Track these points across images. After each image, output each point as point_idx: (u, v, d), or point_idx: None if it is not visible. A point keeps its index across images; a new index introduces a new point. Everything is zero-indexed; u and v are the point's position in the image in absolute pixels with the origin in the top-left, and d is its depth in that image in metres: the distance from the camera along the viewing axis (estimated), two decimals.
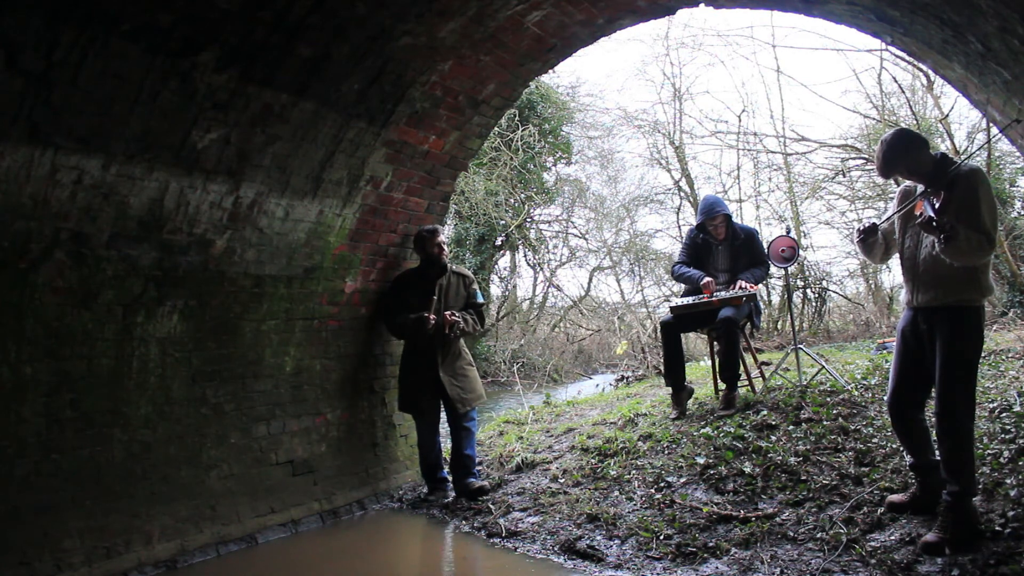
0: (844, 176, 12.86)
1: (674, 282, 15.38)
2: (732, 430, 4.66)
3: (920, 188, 3.23)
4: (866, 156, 11.97)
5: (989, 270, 3.15)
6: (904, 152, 3.16)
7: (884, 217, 3.50)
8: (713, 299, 5.21)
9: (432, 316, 4.60)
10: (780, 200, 14.26)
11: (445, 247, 4.82)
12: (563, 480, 4.60)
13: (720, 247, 5.51)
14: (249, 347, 4.21)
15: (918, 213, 3.14)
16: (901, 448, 3.74)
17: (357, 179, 4.41)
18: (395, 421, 5.18)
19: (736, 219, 5.82)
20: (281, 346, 4.40)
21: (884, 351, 7.30)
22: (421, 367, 4.71)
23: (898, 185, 3.82)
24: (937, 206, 3.08)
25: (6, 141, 2.84)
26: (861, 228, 3.47)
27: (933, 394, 3.19)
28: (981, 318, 3.16)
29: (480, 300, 4.98)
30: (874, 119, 12.74)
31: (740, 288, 5.15)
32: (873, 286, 14.26)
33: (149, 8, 2.89)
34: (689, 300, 5.35)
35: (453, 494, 4.78)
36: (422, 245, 4.79)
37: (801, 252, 11.46)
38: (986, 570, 2.79)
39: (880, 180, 12.56)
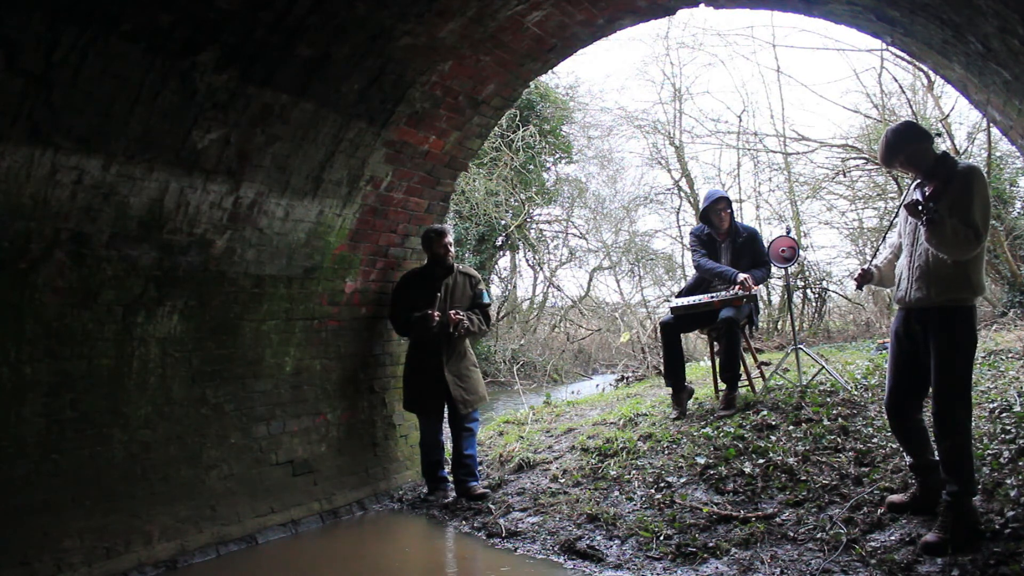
0: (844, 176, 12.85)
1: (673, 282, 15.42)
2: (732, 430, 4.66)
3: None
4: (867, 156, 11.94)
5: (981, 269, 3.17)
6: (907, 141, 3.20)
7: (875, 261, 3.56)
8: (713, 300, 5.21)
9: (436, 313, 4.61)
10: (780, 200, 14.25)
11: (452, 248, 4.84)
12: (563, 480, 4.60)
13: (723, 245, 5.51)
14: (249, 347, 4.21)
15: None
16: (901, 448, 3.74)
17: (357, 179, 4.41)
18: (395, 421, 5.18)
19: (736, 219, 5.81)
20: (281, 346, 4.40)
21: (884, 351, 7.30)
22: (426, 366, 4.72)
23: (894, 177, 3.87)
24: (927, 193, 3.13)
25: (6, 141, 2.85)
26: (857, 277, 3.54)
27: (930, 394, 3.19)
28: (974, 317, 3.17)
29: (487, 300, 4.99)
30: (875, 119, 12.71)
31: (741, 287, 5.14)
32: (873, 286, 14.21)
33: (149, 8, 2.89)
34: (689, 301, 5.35)
35: (453, 494, 4.78)
36: (429, 245, 4.81)
37: (801, 252, 11.45)
38: (986, 570, 2.79)
39: (880, 180, 12.56)
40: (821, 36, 26.01)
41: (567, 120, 15.36)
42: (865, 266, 3.52)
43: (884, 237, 3.63)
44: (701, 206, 5.74)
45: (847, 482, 3.75)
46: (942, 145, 9.90)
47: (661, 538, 3.59)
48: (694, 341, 11.91)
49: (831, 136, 15.53)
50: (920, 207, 3.02)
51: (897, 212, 3.37)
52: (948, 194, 3.10)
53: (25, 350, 3.21)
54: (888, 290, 3.58)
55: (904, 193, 3.50)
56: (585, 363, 14.95)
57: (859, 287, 3.57)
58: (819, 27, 16.47)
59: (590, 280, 16.83)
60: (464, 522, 4.36)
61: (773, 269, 5.98)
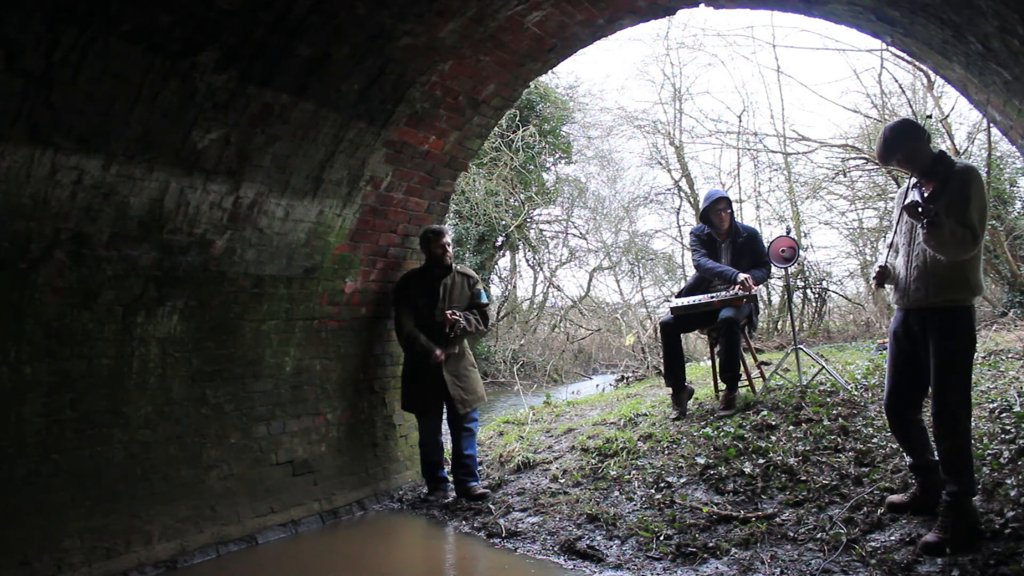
0: (844, 176, 12.85)
1: (673, 282, 15.42)
2: (732, 430, 4.66)
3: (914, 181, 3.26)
4: (867, 156, 11.94)
5: (979, 269, 3.16)
6: (905, 139, 3.19)
7: (885, 258, 3.47)
8: (713, 300, 5.21)
9: (441, 355, 4.64)
10: (780, 200, 14.25)
11: (450, 248, 4.84)
12: (563, 480, 4.60)
13: (724, 245, 5.51)
14: (249, 347, 4.21)
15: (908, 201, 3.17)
16: (901, 448, 3.74)
17: (357, 179, 4.41)
18: (395, 421, 5.18)
19: (736, 219, 5.81)
20: (281, 346, 4.40)
21: (884, 351, 7.29)
22: (424, 366, 4.72)
23: (893, 177, 3.85)
24: (926, 195, 3.13)
25: (6, 141, 2.85)
26: (875, 275, 3.45)
27: (929, 394, 3.19)
28: (972, 317, 3.16)
29: (484, 300, 4.99)
30: (874, 119, 12.71)
31: (741, 287, 5.14)
32: (887, 285, 14.15)
33: (149, 8, 2.89)
34: (689, 301, 5.35)
35: (453, 494, 4.78)
36: (427, 245, 4.81)
37: (801, 252, 11.44)
38: (986, 570, 2.79)
39: (880, 180, 12.55)
40: (821, 36, 26.07)
41: (567, 120, 15.36)
42: (882, 262, 3.46)
43: (886, 238, 3.61)
44: (701, 206, 5.75)
45: (847, 482, 3.75)
46: (942, 145, 9.90)
47: (661, 538, 3.59)
48: (694, 341, 11.91)
49: (831, 136, 15.50)
50: (920, 209, 3.01)
51: (900, 214, 3.36)
52: (945, 194, 3.10)
53: (25, 350, 3.21)
54: (887, 288, 3.54)
55: (901, 190, 3.49)
56: (585, 363, 14.96)
57: (880, 285, 3.51)
58: (819, 27, 16.49)
59: (590, 280, 16.84)
60: (464, 522, 4.36)
61: (773, 269, 5.98)
